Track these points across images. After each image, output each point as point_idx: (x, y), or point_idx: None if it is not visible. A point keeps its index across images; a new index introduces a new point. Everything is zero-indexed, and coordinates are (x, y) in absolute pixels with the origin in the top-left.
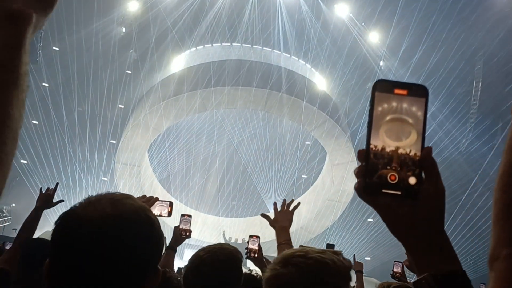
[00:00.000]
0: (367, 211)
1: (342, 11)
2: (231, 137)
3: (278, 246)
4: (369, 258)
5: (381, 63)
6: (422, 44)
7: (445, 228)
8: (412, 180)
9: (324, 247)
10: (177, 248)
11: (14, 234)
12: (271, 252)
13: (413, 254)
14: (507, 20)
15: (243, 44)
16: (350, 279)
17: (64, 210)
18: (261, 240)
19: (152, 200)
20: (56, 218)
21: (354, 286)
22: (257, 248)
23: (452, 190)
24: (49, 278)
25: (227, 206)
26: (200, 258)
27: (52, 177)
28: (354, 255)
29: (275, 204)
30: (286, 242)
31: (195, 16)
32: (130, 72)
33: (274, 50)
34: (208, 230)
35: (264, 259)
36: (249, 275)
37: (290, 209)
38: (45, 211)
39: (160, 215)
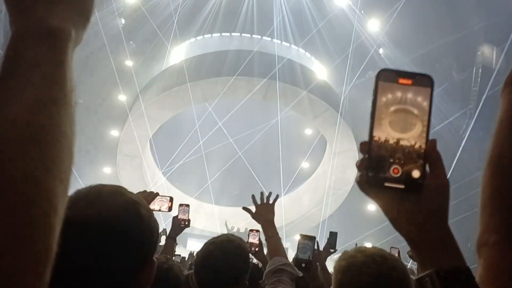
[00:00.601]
0: (368, 198)
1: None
2: (232, 127)
3: (266, 240)
4: (370, 245)
5: (381, 50)
6: (421, 31)
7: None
8: (416, 174)
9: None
10: (181, 238)
11: None
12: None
13: (416, 249)
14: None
15: (243, 34)
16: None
17: None
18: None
19: (152, 196)
20: None
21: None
22: (257, 242)
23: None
24: None
25: (229, 196)
26: (211, 253)
27: None
28: (356, 244)
29: (253, 197)
30: (274, 235)
31: (194, 6)
32: (130, 63)
33: (273, 40)
34: (211, 220)
35: (264, 254)
36: (253, 264)
37: (271, 202)
38: None
39: (159, 210)
